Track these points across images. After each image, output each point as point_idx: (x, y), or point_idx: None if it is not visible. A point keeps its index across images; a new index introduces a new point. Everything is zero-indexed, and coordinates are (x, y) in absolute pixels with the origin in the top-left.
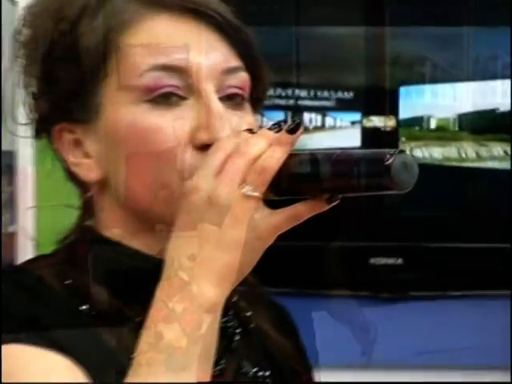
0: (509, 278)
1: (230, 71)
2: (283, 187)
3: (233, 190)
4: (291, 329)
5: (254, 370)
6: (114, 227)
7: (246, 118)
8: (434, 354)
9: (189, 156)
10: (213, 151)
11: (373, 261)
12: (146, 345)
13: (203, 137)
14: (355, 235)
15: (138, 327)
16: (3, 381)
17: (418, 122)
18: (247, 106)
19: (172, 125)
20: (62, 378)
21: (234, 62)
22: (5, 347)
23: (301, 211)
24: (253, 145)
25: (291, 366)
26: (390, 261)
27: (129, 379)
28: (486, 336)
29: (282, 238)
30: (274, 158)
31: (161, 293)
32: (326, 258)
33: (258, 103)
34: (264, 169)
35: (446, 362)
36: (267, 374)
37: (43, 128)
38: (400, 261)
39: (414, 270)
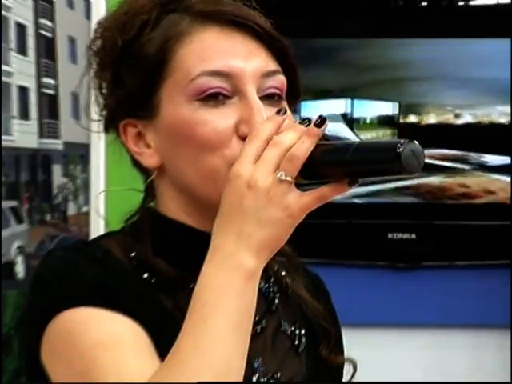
0: (508, 251)
1: (269, 74)
2: (311, 172)
3: (268, 175)
4: (323, 293)
5: (292, 328)
6: (171, 208)
7: (282, 114)
8: (444, 314)
9: (234, 146)
10: (250, 140)
11: (390, 236)
12: (199, 304)
13: (246, 130)
14: (375, 212)
15: (190, 292)
16: (74, 341)
17: None
18: (284, 103)
19: (219, 120)
20: (126, 336)
21: (272, 66)
22: (78, 310)
23: (326, 193)
24: (285, 136)
25: (323, 325)
26: (405, 236)
27: (185, 328)
28: (488, 299)
29: (321, 216)
30: (304, 147)
31: (209, 262)
32: (352, 234)
33: (293, 101)
34: (295, 157)
35: (454, 322)
36: (303, 331)
37: (111, 124)
38: (414, 236)
39: (426, 244)
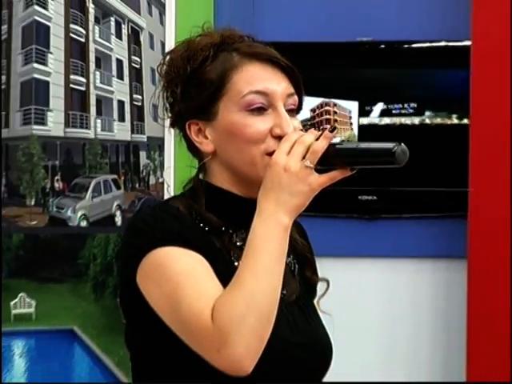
0: (463, 204)
1: (290, 95)
2: (326, 162)
3: (297, 163)
4: (304, 234)
5: (289, 259)
6: (219, 180)
7: (296, 121)
8: (395, 249)
9: (269, 142)
10: (284, 140)
11: (360, 197)
12: (252, 247)
13: (278, 131)
14: (350, 182)
15: (231, 236)
16: (162, 269)
17: None
18: (296, 114)
19: (260, 124)
20: (199, 266)
21: (291, 89)
22: (164, 248)
23: (336, 175)
24: (306, 137)
25: (307, 256)
26: (369, 197)
27: (246, 258)
28: (446, 240)
29: None
30: (321, 145)
31: (257, 219)
32: (335, 196)
33: (298, 111)
34: (315, 151)
35: (417, 254)
36: (295, 261)
37: (178, 122)
38: (375, 197)
39: (383, 203)
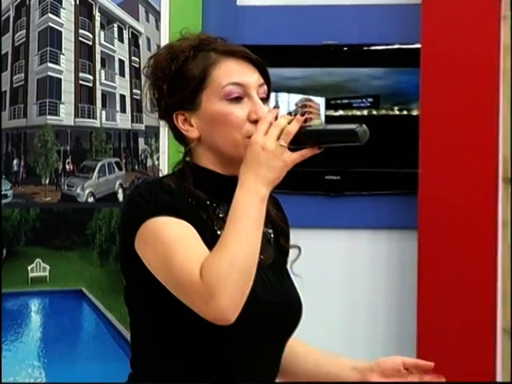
0: (414, 182)
1: (261, 85)
2: (297, 142)
3: (273, 142)
4: (279, 207)
5: (265, 229)
6: (203, 161)
7: (267, 107)
8: (355, 221)
9: (246, 126)
10: (261, 122)
11: (326, 176)
12: (234, 214)
13: (254, 116)
14: (317, 164)
15: (214, 209)
16: (157, 235)
17: None
18: (266, 102)
19: (239, 111)
20: (190, 233)
21: (261, 80)
22: (159, 218)
23: (306, 153)
24: (280, 120)
25: (281, 225)
26: (334, 177)
27: (229, 223)
28: (400, 214)
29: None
30: (293, 127)
31: (239, 190)
32: (305, 176)
33: (268, 100)
34: (289, 132)
35: (374, 225)
36: (270, 230)
37: (165, 115)
38: (339, 177)
39: (345, 183)
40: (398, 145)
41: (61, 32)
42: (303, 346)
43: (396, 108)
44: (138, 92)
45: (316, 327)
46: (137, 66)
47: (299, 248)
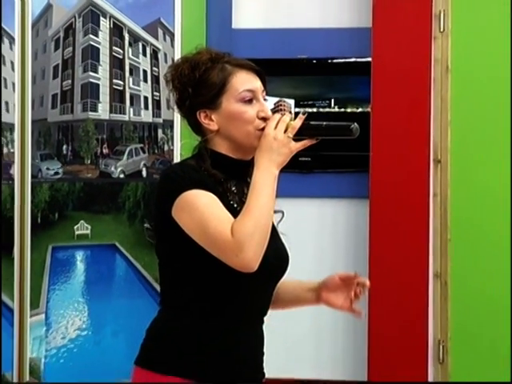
0: (366, 163)
1: (263, 90)
2: (300, 134)
3: (282, 134)
4: None
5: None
6: (219, 148)
7: (267, 105)
8: (319, 191)
9: (256, 122)
10: (271, 119)
11: (300, 158)
12: (253, 190)
13: (262, 114)
14: None
15: (230, 186)
16: (192, 204)
17: None
18: (266, 101)
19: (251, 110)
20: (215, 200)
21: (263, 87)
22: (192, 191)
23: (306, 143)
24: (286, 118)
25: None
26: (305, 158)
27: (251, 196)
28: (357, 186)
29: None
30: (298, 123)
31: (256, 171)
32: None
33: (266, 100)
34: (294, 127)
35: (337, 195)
36: None
37: (189, 112)
38: (309, 158)
39: (315, 162)
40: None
41: (99, 48)
42: (287, 281)
43: (352, 106)
44: (158, 94)
45: (291, 272)
46: (156, 74)
47: (283, 212)
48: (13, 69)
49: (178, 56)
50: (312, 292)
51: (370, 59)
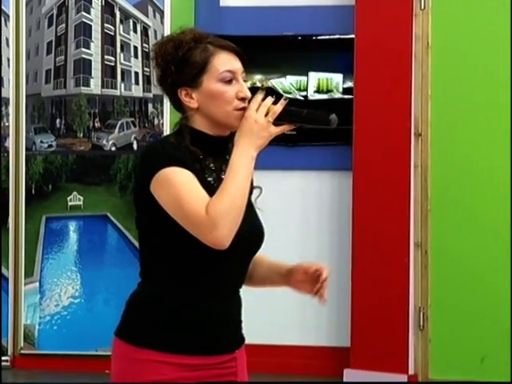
0: (349, 136)
1: (243, 71)
2: (280, 119)
3: (262, 118)
4: None
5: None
6: (199, 125)
7: (247, 86)
8: (305, 163)
9: (235, 102)
10: (253, 101)
11: (285, 132)
12: (231, 169)
13: (241, 94)
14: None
15: (208, 162)
16: (170, 181)
17: None
18: (246, 82)
19: (230, 90)
20: (192, 178)
21: (242, 68)
22: (170, 168)
23: (285, 128)
24: (267, 101)
25: None
26: (292, 132)
27: (228, 176)
28: (340, 159)
29: None
30: (278, 107)
31: (235, 151)
32: None
33: (246, 82)
34: (275, 111)
35: (320, 168)
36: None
37: (171, 89)
38: (294, 132)
39: (300, 136)
40: (339, 107)
41: (91, 25)
42: (263, 257)
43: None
44: (148, 70)
45: (278, 243)
46: (147, 50)
47: (261, 188)
48: (8, 45)
49: (167, 33)
50: (281, 277)
51: (353, 36)
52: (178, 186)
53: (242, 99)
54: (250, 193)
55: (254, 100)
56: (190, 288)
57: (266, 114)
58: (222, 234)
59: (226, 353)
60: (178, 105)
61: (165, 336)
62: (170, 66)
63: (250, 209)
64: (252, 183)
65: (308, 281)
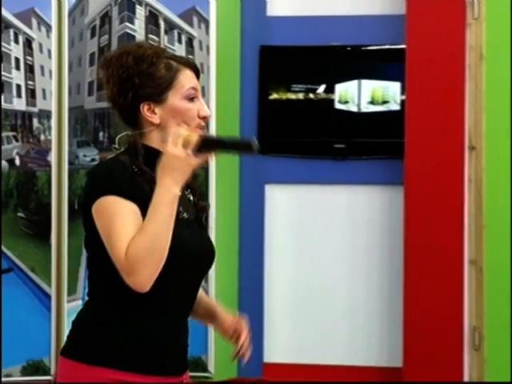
0: (401, 150)
1: (201, 90)
2: (199, 149)
3: (182, 150)
4: (196, 188)
5: (186, 192)
6: (155, 142)
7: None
8: (356, 177)
9: (197, 119)
10: (169, 135)
11: (334, 145)
12: (154, 207)
13: (202, 113)
14: (327, 134)
15: (154, 182)
16: (106, 210)
17: None
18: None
19: (193, 108)
20: (129, 210)
21: (200, 87)
22: (109, 197)
23: (206, 158)
24: (182, 131)
25: (194, 188)
26: (340, 145)
27: (149, 215)
28: (391, 173)
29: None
30: (194, 137)
31: (158, 190)
32: (317, 145)
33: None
34: (192, 142)
35: (370, 182)
36: (188, 191)
37: (131, 104)
38: (344, 145)
39: (349, 149)
40: (389, 121)
41: (135, 36)
42: (204, 296)
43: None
44: None
45: (328, 259)
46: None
47: (208, 204)
48: (50, 56)
49: (213, 43)
50: (211, 320)
51: (403, 46)
52: (110, 218)
53: (203, 118)
54: (199, 208)
55: (169, 134)
56: (135, 308)
57: (184, 146)
58: (139, 280)
59: (174, 375)
60: (132, 119)
61: (113, 354)
62: (134, 80)
63: (199, 228)
64: (199, 196)
65: (233, 334)
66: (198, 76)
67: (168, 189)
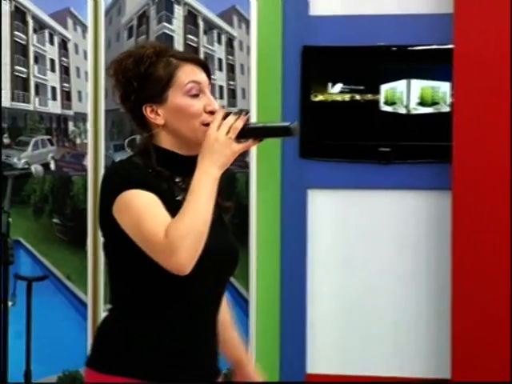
0: (448, 153)
1: (209, 84)
2: (242, 135)
3: (224, 136)
4: (228, 178)
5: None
6: (165, 144)
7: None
8: (403, 182)
9: (203, 116)
10: (214, 119)
11: (379, 148)
12: (193, 190)
13: (209, 108)
14: (372, 137)
15: (175, 182)
16: (131, 204)
17: None
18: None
19: (197, 104)
20: (156, 202)
21: (208, 80)
22: (131, 191)
23: (249, 144)
24: (229, 119)
25: (219, 188)
26: (385, 149)
27: (189, 197)
28: (438, 177)
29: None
30: (239, 124)
31: (197, 172)
32: (361, 149)
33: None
34: (235, 128)
35: (416, 187)
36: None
37: (134, 106)
38: (388, 149)
39: (393, 153)
40: (437, 123)
41: (173, 36)
42: (232, 327)
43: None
44: (233, 83)
45: (373, 264)
46: (232, 63)
47: (233, 204)
48: (86, 58)
49: (254, 44)
50: (232, 358)
51: (451, 46)
52: (137, 209)
53: (211, 113)
54: (223, 208)
55: (215, 119)
56: (161, 314)
57: (228, 131)
58: (181, 260)
59: (202, 382)
60: (142, 122)
61: (140, 363)
62: (133, 83)
63: (222, 228)
64: (223, 196)
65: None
66: (206, 71)
67: (207, 170)
